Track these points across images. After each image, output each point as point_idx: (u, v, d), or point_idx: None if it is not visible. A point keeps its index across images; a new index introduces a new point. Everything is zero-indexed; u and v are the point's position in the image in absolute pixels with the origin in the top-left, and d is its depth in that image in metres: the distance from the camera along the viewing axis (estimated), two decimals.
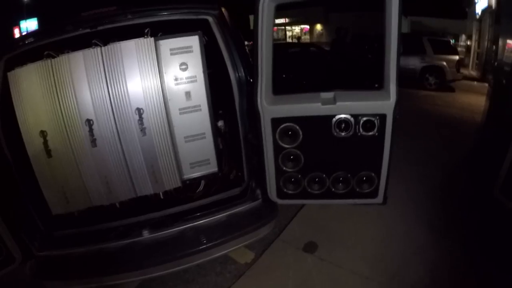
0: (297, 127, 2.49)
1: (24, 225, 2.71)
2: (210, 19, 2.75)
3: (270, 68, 2.42)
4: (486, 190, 3.35)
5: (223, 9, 2.80)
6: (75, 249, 2.71)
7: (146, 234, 2.71)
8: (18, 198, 2.70)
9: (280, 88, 2.52)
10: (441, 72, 11.14)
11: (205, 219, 2.81)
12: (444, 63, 11.06)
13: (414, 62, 11.29)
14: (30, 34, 2.77)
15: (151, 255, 2.60)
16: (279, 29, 26.98)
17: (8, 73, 2.54)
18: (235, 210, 2.85)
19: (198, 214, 2.84)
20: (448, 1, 22.53)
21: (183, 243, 2.66)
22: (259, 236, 2.87)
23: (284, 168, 2.62)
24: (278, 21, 25.67)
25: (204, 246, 2.63)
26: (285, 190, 2.71)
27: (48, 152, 2.60)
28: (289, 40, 28.81)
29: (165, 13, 2.70)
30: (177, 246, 2.64)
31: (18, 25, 32.79)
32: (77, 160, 2.65)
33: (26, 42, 2.66)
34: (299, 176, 2.64)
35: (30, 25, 31.62)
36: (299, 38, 28.18)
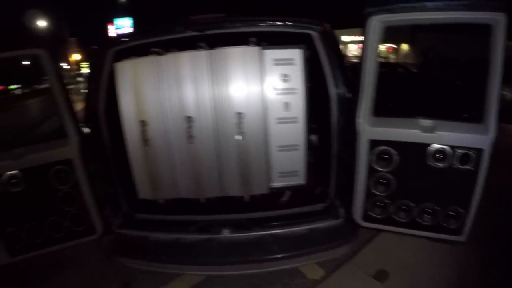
0: (394, 151, 2.45)
1: (110, 203, 2.95)
2: (313, 33, 2.79)
3: (373, 89, 2.42)
4: None
5: (326, 25, 2.82)
6: (153, 233, 2.87)
7: (225, 233, 2.78)
8: (111, 177, 2.97)
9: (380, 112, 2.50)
10: None
11: (285, 228, 2.82)
12: None
13: (506, 92, 10.36)
14: (138, 32, 3.01)
15: (225, 253, 2.67)
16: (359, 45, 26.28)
17: (116, 64, 2.77)
18: (315, 225, 2.84)
19: (279, 223, 2.85)
20: None
21: (259, 248, 2.69)
22: (333, 256, 2.86)
23: (374, 191, 2.58)
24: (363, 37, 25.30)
25: (279, 255, 2.65)
26: (371, 213, 2.65)
27: (145, 140, 2.81)
28: None
29: (271, 24, 2.77)
30: (253, 250, 2.68)
31: (112, 21, 36.24)
32: (172, 153, 2.84)
33: (134, 38, 2.90)
34: (388, 201, 2.58)
35: (124, 23, 34.85)
36: (386, 57, 27.26)
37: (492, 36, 2.07)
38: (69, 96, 2.61)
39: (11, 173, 2.44)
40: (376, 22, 2.28)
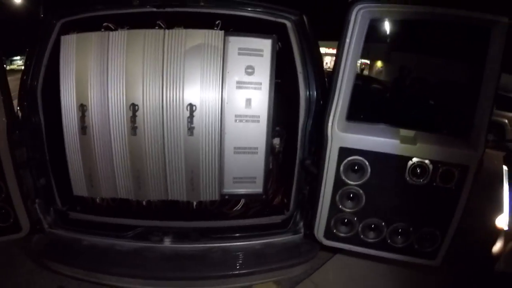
0: (366, 163, 2.23)
1: (41, 197, 2.63)
2: (288, 24, 2.56)
3: (350, 90, 2.19)
4: None
5: (304, 16, 2.58)
6: (88, 236, 2.59)
7: (166, 243, 2.52)
8: (41, 168, 2.64)
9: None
10: (501, 129, 10.40)
11: (237, 242, 2.58)
12: (506, 121, 10.32)
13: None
14: (91, 2, 2.70)
15: (166, 267, 2.39)
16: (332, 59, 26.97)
17: (62, 37, 2.51)
18: (272, 240, 2.61)
19: (230, 235, 2.63)
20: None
21: (206, 263, 2.43)
22: (291, 274, 2.64)
23: (340, 206, 2.35)
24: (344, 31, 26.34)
25: (229, 272, 2.39)
26: (335, 231, 2.43)
27: (83, 128, 2.54)
28: None
29: (242, 7, 2.54)
30: (198, 265, 2.41)
31: None
32: (112, 145, 2.57)
33: (86, 9, 2.61)
34: (355, 218, 2.36)
35: None
36: (362, 70, 28.07)
37: (491, 41, 1.96)
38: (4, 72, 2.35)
39: None
40: (362, 12, 2.04)
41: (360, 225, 2.36)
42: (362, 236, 2.39)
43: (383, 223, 2.33)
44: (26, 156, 2.49)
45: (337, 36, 2.15)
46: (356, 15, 2.06)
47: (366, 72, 27.51)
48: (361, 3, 2.05)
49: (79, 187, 2.70)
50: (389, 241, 2.36)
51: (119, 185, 2.67)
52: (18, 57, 29.20)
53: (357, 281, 3.15)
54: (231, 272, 2.38)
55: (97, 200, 2.79)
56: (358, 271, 3.24)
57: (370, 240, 2.39)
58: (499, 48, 1.94)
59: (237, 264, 2.41)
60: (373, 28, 2.16)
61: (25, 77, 2.54)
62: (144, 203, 2.78)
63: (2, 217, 2.38)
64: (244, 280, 2.47)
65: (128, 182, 2.66)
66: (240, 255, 2.49)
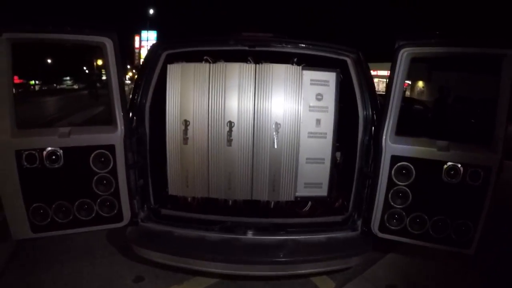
0: (412, 167, 2.74)
1: (139, 195, 3.05)
2: (348, 60, 3.08)
3: (398, 110, 2.74)
4: None
5: (361, 54, 3.06)
6: (177, 229, 2.98)
7: (249, 235, 2.92)
8: (142, 171, 3.08)
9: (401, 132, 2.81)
10: None
11: (305, 235, 2.99)
12: None
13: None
14: (192, 39, 3.25)
15: (247, 253, 2.79)
16: (380, 80, 26.45)
17: (168, 65, 3.02)
18: (333, 235, 3.01)
19: (300, 229, 3.04)
20: None
21: (280, 251, 2.82)
22: (348, 265, 3.04)
23: (392, 203, 2.83)
24: (380, 72, 25.02)
25: (299, 258, 2.81)
26: (387, 224, 2.88)
27: (185, 139, 3.04)
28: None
29: (313, 48, 3.05)
30: (274, 252, 2.81)
31: (139, 33, 39.12)
32: (209, 153, 3.06)
33: (187, 43, 3.15)
34: (404, 213, 2.83)
35: (150, 35, 38.92)
36: (404, 92, 26.96)
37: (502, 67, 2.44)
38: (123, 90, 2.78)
39: (52, 149, 2.61)
40: (406, 54, 2.64)
41: (408, 218, 2.80)
42: (409, 229, 2.81)
43: (426, 217, 2.76)
44: (132, 159, 2.90)
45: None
46: (403, 56, 2.65)
47: (408, 93, 26.01)
48: (406, 47, 2.63)
49: (175, 188, 3.16)
50: (431, 232, 2.76)
51: (212, 187, 3.13)
52: (68, 77, 31.15)
53: (404, 277, 3.36)
54: (300, 258, 2.80)
55: (189, 199, 3.23)
56: (407, 269, 3.47)
57: (416, 232, 2.80)
58: (507, 73, 2.42)
59: (305, 252, 2.81)
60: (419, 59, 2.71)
61: (136, 96, 3.01)
62: (230, 202, 3.21)
63: (108, 208, 2.81)
64: (309, 266, 2.86)
65: (220, 184, 3.11)
66: (307, 246, 2.89)
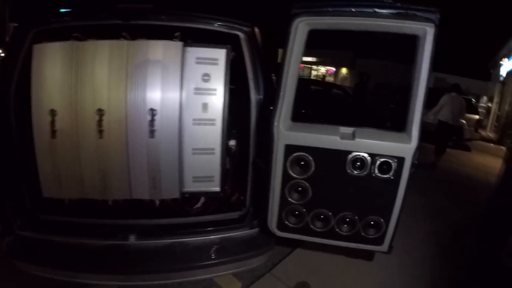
0: (310, 158, 2.42)
1: (11, 200, 2.69)
2: (241, 35, 2.75)
3: (293, 93, 2.39)
4: (494, 253, 3.26)
5: (256, 29, 2.79)
6: (57, 237, 2.65)
7: (132, 240, 2.63)
8: (12, 171, 2.69)
9: (299, 118, 2.49)
10: (459, 130, 10.98)
11: (197, 237, 2.72)
12: (464, 121, 10.92)
13: (433, 117, 11.25)
14: (62, 13, 2.81)
15: (132, 262, 2.52)
16: (305, 67, 27.10)
17: (34, 46, 2.57)
18: (230, 234, 2.77)
19: (191, 230, 2.75)
20: (473, 62, 23.05)
21: (169, 257, 2.57)
22: (250, 266, 2.78)
23: (289, 199, 2.53)
24: (304, 59, 26.42)
25: (190, 264, 2.55)
26: (286, 222, 2.60)
27: (53, 132, 2.58)
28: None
29: (199, 21, 2.71)
30: (162, 259, 2.55)
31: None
32: (80, 147, 2.63)
33: (57, 19, 2.71)
34: (304, 210, 2.54)
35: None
36: (323, 77, 28.39)
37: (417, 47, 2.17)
38: None
39: None
40: (302, 24, 2.27)
41: (309, 215, 2.53)
42: (311, 226, 2.56)
43: (330, 213, 2.50)
44: None
45: None
46: (298, 27, 2.29)
47: (331, 79, 28.00)
48: (302, 16, 2.27)
49: (49, 189, 2.72)
50: (337, 229, 2.53)
51: (86, 186, 2.72)
52: None
53: (315, 273, 3.26)
54: (191, 264, 2.53)
55: (66, 201, 2.79)
56: (317, 264, 3.38)
57: (319, 230, 2.55)
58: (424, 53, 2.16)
59: (197, 257, 2.56)
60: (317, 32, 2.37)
61: None
62: (110, 202, 2.80)
63: None
64: (205, 272, 2.60)
65: (95, 182, 2.71)
66: (200, 249, 2.63)
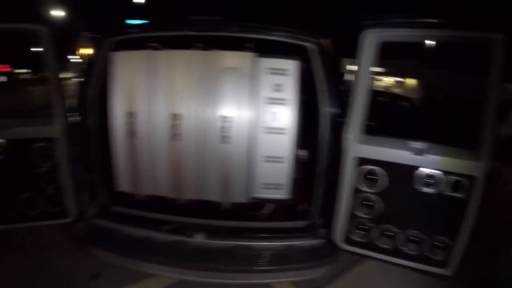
0: (381, 172, 2.37)
1: (88, 190, 2.91)
2: (309, 46, 2.73)
3: (364, 106, 2.37)
4: None
5: (323, 40, 2.75)
6: (127, 228, 2.84)
7: (198, 238, 2.73)
8: (92, 165, 2.93)
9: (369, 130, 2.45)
10: None
11: (261, 242, 2.75)
12: None
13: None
14: (139, 25, 3.04)
15: (195, 259, 2.61)
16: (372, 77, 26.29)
17: (112, 53, 2.78)
18: (294, 243, 2.76)
19: (256, 235, 2.79)
20: None
21: (231, 258, 2.62)
22: (309, 276, 2.75)
23: (357, 213, 2.49)
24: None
25: (251, 268, 2.58)
26: (352, 236, 2.56)
27: (132, 132, 2.79)
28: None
29: (269, 33, 2.74)
30: (224, 259, 2.61)
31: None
32: (156, 148, 2.81)
33: (134, 30, 2.95)
34: (371, 224, 2.48)
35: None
36: (391, 88, 27.30)
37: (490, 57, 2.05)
38: (60, 80, 2.69)
39: None
40: (371, 36, 2.25)
41: (376, 231, 2.47)
42: (377, 242, 2.48)
43: (397, 230, 2.42)
44: (78, 153, 2.79)
45: None
46: (368, 39, 2.28)
47: (398, 90, 26.67)
48: (371, 28, 2.26)
49: (122, 184, 2.96)
50: (402, 248, 2.43)
51: (160, 184, 2.90)
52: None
53: None
54: (253, 268, 2.56)
55: (138, 196, 2.99)
56: (376, 284, 3.24)
57: (385, 246, 2.47)
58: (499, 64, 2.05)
59: (260, 261, 2.58)
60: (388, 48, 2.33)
61: (83, 87, 2.87)
62: (181, 201, 2.94)
63: (54, 203, 2.71)
64: (264, 277, 2.63)
65: (168, 182, 2.88)
66: (263, 254, 2.65)
